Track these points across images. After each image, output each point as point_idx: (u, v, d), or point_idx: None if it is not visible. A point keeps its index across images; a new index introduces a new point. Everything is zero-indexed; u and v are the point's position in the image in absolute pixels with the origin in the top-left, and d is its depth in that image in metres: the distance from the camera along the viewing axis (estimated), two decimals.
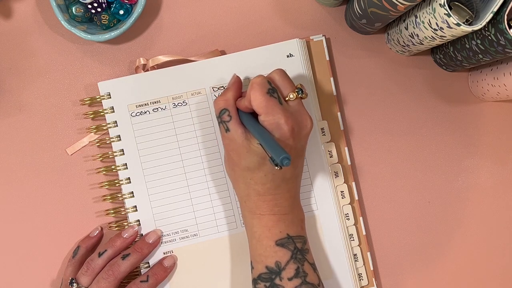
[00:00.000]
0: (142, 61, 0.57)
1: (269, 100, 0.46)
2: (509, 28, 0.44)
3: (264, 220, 0.48)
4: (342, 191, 0.57)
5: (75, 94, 0.58)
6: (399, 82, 0.60)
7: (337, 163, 0.57)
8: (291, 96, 0.48)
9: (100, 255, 0.53)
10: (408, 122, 0.60)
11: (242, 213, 0.51)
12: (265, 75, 0.49)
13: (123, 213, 0.56)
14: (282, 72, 0.49)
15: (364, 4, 0.50)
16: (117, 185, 0.56)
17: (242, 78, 0.56)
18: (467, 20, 0.49)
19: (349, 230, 0.57)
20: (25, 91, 0.58)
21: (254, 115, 0.49)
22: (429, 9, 0.46)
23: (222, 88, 0.56)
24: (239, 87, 0.51)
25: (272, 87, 0.47)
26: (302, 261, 0.48)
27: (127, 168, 0.56)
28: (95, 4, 0.56)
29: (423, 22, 0.48)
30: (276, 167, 0.44)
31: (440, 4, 0.44)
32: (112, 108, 0.56)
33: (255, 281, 0.48)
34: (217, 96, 0.56)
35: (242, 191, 0.49)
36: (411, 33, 0.52)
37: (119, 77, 0.57)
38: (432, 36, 0.49)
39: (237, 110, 0.49)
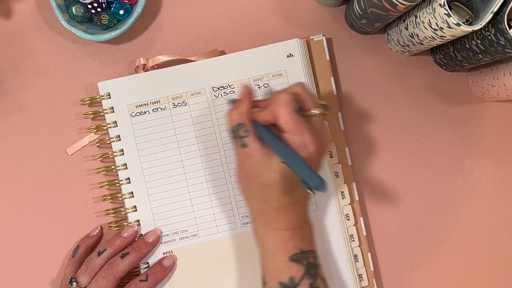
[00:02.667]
0: (142, 61, 0.57)
1: (298, 120, 0.44)
2: (509, 28, 0.44)
3: (279, 235, 0.47)
4: (342, 192, 0.57)
5: (75, 94, 0.58)
6: (399, 82, 0.60)
7: (337, 163, 0.57)
8: (315, 112, 0.46)
9: (99, 254, 0.53)
10: (408, 122, 0.60)
11: (254, 227, 0.49)
12: (287, 90, 0.46)
13: (123, 213, 0.56)
14: (304, 86, 0.47)
15: (364, 4, 0.50)
16: (117, 185, 0.56)
17: (242, 78, 0.56)
18: (467, 20, 0.49)
19: (349, 230, 0.57)
20: (25, 91, 0.58)
21: (270, 127, 0.47)
22: (429, 9, 0.46)
23: (222, 88, 0.56)
24: (252, 98, 0.49)
25: (299, 106, 0.45)
26: (315, 276, 0.47)
27: (127, 168, 0.56)
28: (95, 4, 0.56)
29: (423, 22, 0.48)
30: (309, 192, 0.43)
31: (440, 4, 0.44)
32: (112, 108, 0.56)
33: None
34: (217, 96, 0.56)
35: (257, 206, 0.47)
36: (411, 33, 0.52)
37: (119, 77, 0.57)
38: (432, 36, 0.49)
39: (253, 124, 0.47)
